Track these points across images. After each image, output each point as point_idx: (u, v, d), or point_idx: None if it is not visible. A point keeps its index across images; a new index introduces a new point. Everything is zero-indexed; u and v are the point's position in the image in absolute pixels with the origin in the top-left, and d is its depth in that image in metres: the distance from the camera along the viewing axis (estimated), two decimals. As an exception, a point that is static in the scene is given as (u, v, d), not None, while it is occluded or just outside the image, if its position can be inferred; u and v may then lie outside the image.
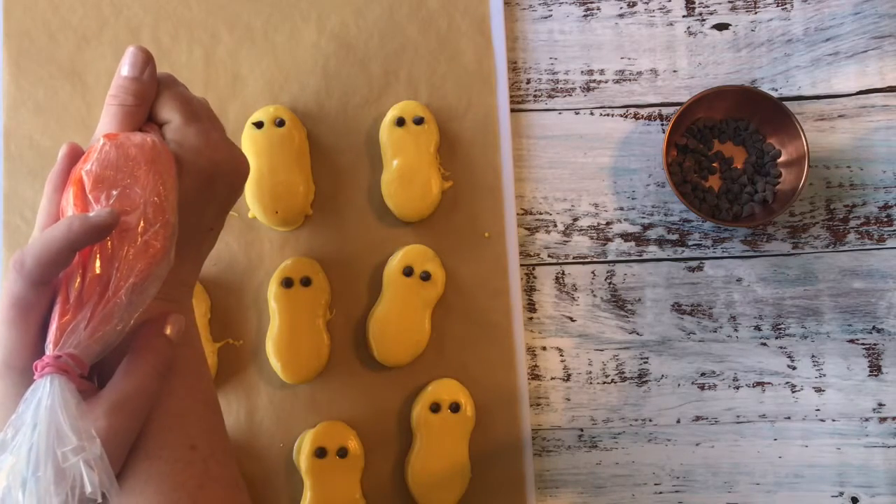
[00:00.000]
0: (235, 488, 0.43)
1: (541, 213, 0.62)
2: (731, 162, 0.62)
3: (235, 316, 0.59)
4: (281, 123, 0.59)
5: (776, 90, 0.63)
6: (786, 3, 0.64)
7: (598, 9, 0.64)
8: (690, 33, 0.63)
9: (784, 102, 0.60)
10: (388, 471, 0.59)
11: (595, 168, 0.62)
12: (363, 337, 0.59)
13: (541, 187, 0.62)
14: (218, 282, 0.60)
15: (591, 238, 0.62)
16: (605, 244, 0.62)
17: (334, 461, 0.56)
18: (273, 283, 0.58)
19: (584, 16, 0.64)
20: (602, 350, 0.61)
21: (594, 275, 0.61)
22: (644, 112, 0.63)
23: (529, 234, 0.62)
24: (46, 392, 0.34)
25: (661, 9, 0.64)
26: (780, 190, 0.60)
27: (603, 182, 0.62)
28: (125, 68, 0.44)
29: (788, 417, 0.60)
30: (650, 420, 0.60)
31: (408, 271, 0.58)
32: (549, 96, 0.63)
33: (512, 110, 0.62)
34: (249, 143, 0.59)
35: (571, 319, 0.61)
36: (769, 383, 0.61)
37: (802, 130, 0.58)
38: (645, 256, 0.62)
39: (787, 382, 0.61)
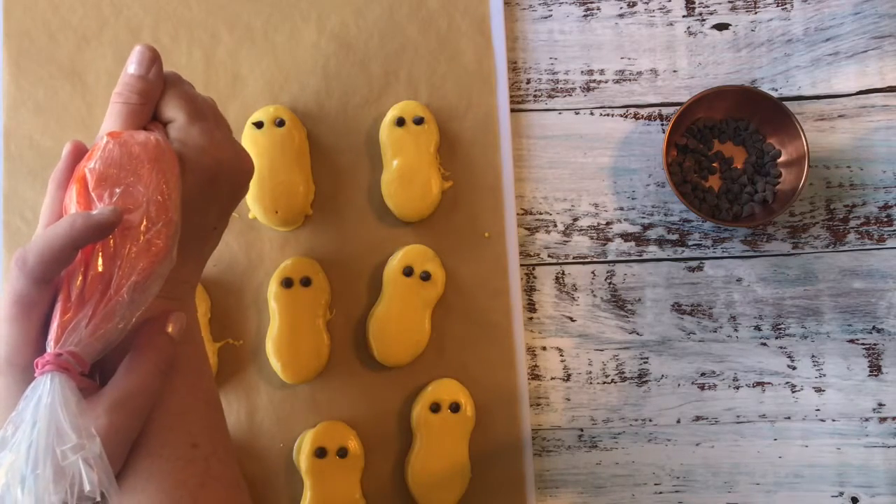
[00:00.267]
0: (236, 487, 0.43)
1: (541, 213, 0.62)
2: (731, 162, 0.62)
3: (235, 316, 0.59)
4: (281, 123, 0.59)
5: (776, 90, 0.63)
6: (786, 3, 0.64)
7: (598, 9, 0.64)
8: (690, 33, 0.63)
9: (784, 102, 0.60)
10: (388, 471, 0.59)
11: (595, 168, 0.62)
12: (363, 337, 0.59)
13: (541, 187, 0.62)
14: (218, 282, 0.60)
15: (591, 238, 0.62)
16: (605, 244, 0.62)
17: (334, 461, 0.56)
18: (273, 283, 0.58)
19: (584, 16, 0.64)
20: (602, 350, 0.61)
21: (594, 275, 0.61)
22: (644, 112, 0.63)
23: (529, 234, 0.62)
24: (47, 390, 0.34)
25: (661, 9, 0.64)
26: (780, 190, 0.60)
27: (603, 182, 0.62)
28: (132, 66, 0.44)
29: (788, 417, 0.60)
30: (650, 420, 0.60)
31: (408, 271, 0.58)
32: (549, 96, 0.63)
33: (512, 110, 0.62)
34: (249, 143, 0.59)
35: (571, 319, 0.61)
36: (769, 383, 0.61)
37: (802, 130, 0.58)
38: (645, 256, 0.62)
39: (787, 382, 0.61)
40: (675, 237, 0.62)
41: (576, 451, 0.60)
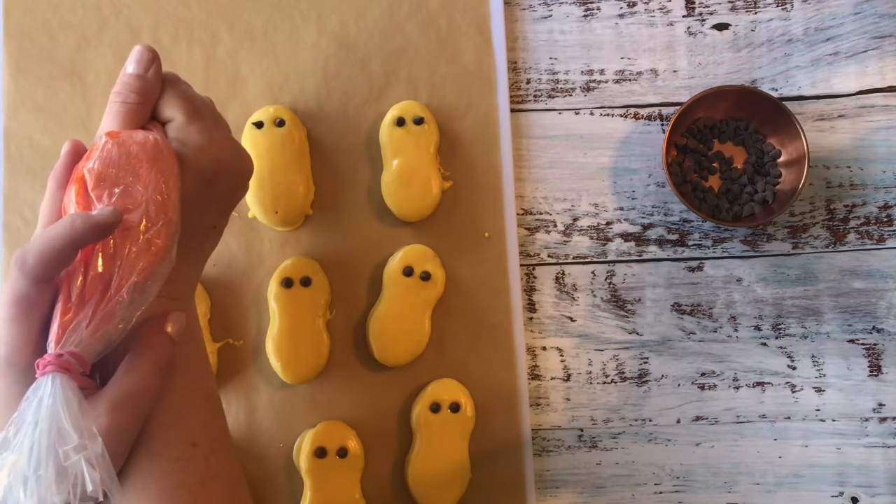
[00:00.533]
0: (236, 486, 0.43)
1: (541, 213, 0.62)
2: (731, 162, 0.62)
3: (235, 316, 0.59)
4: (281, 123, 0.59)
5: (776, 90, 0.63)
6: (786, 3, 0.64)
7: (598, 9, 0.64)
8: (690, 33, 0.63)
9: (784, 102, 0.60)
10: (388, 471, 0.59)
11: (595, 168, 0.62)
12: (363, 337, 0.59)
13: (541, 187, 0.62)
14: (218, 282, 0.60)
15: (591, 238, 0.62)
16: (605, 244, 0.62)
17: (334, 461, 0.56)
18: (273, 283, 0.58)
19: (584, 16, 0.64)
20: (602, 350, 0.61)
21: (594, 275, 0.61)
22: (644, 112, 0.63)
23: (529, 234, 0.62)
24: (48, 390, 0.34)
25: (661, 9, 0.64)
26: (780, 190, 0.60)
27: (603, 182, 0.62)
28: (131, 66, 0.44)
29: (788, 417, 0.60)
30: (650, 420, 0.60)
31: (408, 271, 0.58)
32: (549, 96, 0.63)
33: (512, 110, 0.62)
34: (249, 144, 0.59)
35: (571, 319, 0.61)
36: (769, 383, 0.61)
37: (802, 130, 0.58)
38: (645, 256, 0.62)
39: (787, 382, 0.61)
40: (675, 237, 0.62)
41: (576, 451, 0.60)
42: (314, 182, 0.60)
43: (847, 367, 0.61)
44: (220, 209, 0.46)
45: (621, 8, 0.64)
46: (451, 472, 0.57)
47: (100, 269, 0.37)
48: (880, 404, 0.60)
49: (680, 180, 0.60)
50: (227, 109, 0.61)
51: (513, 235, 0.61)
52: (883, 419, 0.60)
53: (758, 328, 0.61)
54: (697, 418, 0.60)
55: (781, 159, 0.61)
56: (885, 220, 0.62)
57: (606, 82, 0.63)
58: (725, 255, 0.62)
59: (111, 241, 0.38)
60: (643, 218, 0.62)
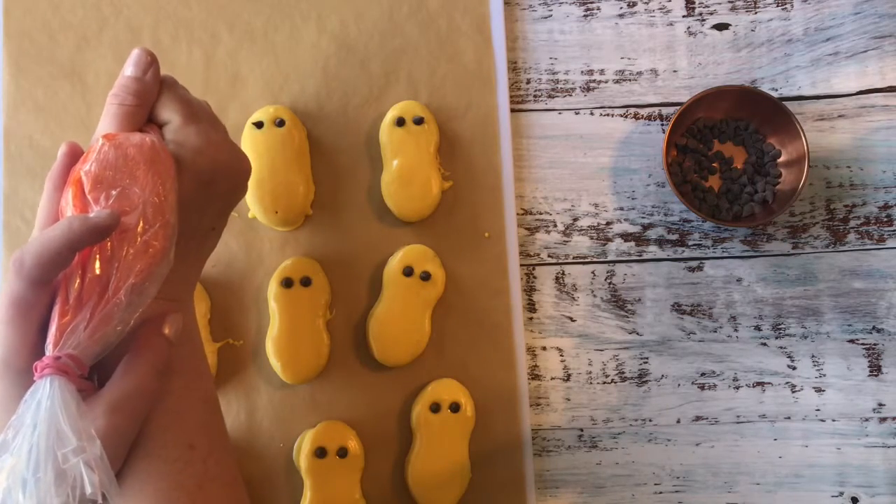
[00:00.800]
0: (234, 487, 0.43)
1: (541, 213, 0.62)
2: (731, 162, 0.62)
3: (235, 316, 0.59)
4: (281, 123, 0.59)
5: (776, 90, 0.63)
6: (786, 3, 0.64)
7: (598, 9, 0.64)
8: (690, 33, 0.63)
9: (784, 102, 0.60)
10: (388, 471, 0.59)
11: (595, 168, 0.62)
12: (363, 337, 0.59)
13: (541, 187, 0.62)
14: (218, 282, 0.60)
15: (591, 238, 0.62)
16: (605, 244, 0.62)
17: (334, 461, 0.56)
18: (273, 283, 0.58)
19: (584, 16, 0.64)
20: (602, 350, 0.61)
21: (594, 275, 0.61)
22: (644, 112, 0.63)
23: (529, 234, 0.62)
24: (46, 393, 0.34)
25: (661, 9, 0.64)
26: (780, 190, 0.60)
27: (603, 182, 0.62)
28: (129, 68, 0.44)
29: (788, 417, 0.60)
30: (650, 420, 0.60)
31: (408, 271, 0.58)
32: (549, 96, 0.63)
33: (512, 110, 0.62)
34: (249, 144, 0.59)
35: (571, 319, 0.61)
36: (769, 383, 0.61)
37: (802, 130, 0.58)
38: (645, 256, 0.62)
39: (787, 382, 0.61)
40: (675, 237, 0.62)
41: (576, 451, 0.60)
42: (314, 182, 0.60)
43: (847, 367, 0.61)
44: (218, 211, 0.46)
45: (621, 8, 0.64)
46: (451, 472, 0.57)
47: (97, 272, 0.37)
48: (880, 404, 0.60)
49: (680, 180, 0.60)
50: (226, 110, 0.61)
51: (513, 235, 0.61)
52: (883, 419, 0.60)
53: (758, 328, 0.61)
54: (697, 418, 0.60)
55: (781, 159, 0.61)
56: (885, 220, 0.62)
57: (606, 82, 0.63)
58: (725, 255, 0.62)
59: (108, 244, 0.38)
60: (643, 218, 0.62)
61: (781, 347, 0.61)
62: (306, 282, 0.58)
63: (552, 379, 0.61)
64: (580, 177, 0.62)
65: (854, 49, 0.63)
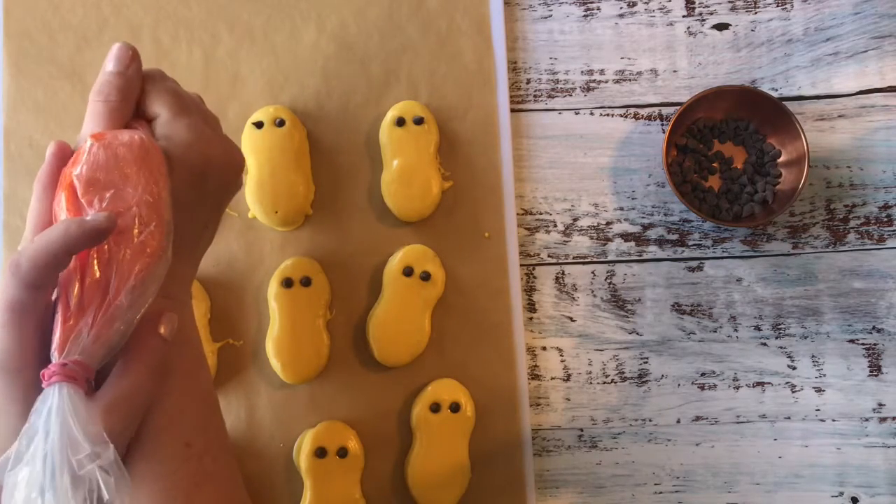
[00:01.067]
0: (232, 485, 0.43)
1: (541, 213, 0.62)
2: (731, 162, 0.62)
3: (235, 316, 0.59)
4: (281, 123, 0.59)
5: (776, 90, 0.63)
6: (786, 3, 0.64)
7: (598, 9, 0.64)
8: (690, 33, 0.63)
9: (784, 102, 0.60)
10: (388, 471, 0.59)
11: (595, 168, 0.62)
12: (363, 337, 0.59)
13: (541, 187, 0.62)
14: (218, 282, 0.60)
15: (591, 238, 0.62)
16: (605, 244, 0.62)
17: (334, 461, 0.56)
18: (273, 283, 0.58)
19: (584, 16, 0.64)
20: (602, 350, 0.61)
21: (594, 275, 0.61)
22: (644, 112, 0.63)
23: (529, 234, 0.62)
24: (56, 401, 0.34)
25: (661, 9, 0.64)
26: (780, 190, 0.60)
27: (603, 182, 0.62)
28: (110, 64, 0.43)
29: (788, 417, 0.60)
30: (650, 420, 0.60)
31: (408, 271, 0.58)
32: (549, 96, 0.63)
33: (512, 110, 0.62)
34: (249, 143, 0.59)
35: (571, 319, 0.61)
36: (769, 383, 0.61)
37: (802, 130, 0.58)
38: (645, 256, 0.62)
39: (787, 382, 0.61)
40: (675, 237, 0.62)
41: (576, 451, 0.60)
42: (314, 182, 0.60)
43: (847, 367, 0.61)
44: (212, 205, 0.46)
45: (621, 8, 0.64)
46: (451, 472, 0.57)
47: (97, 275, 0.37)
48: (880, 404, 0.60)
49: (680, 180, 0.60)
50: (227, 109, 0.61)
51: (513, 235, 0.61)
52: (883, 419, 0.60)
53: (758, 328, 0.61)
54: (697, 418, 0.60)
55: (781, 159, 0.61)
56: (885, 220, 0.62)
57: (606, 82, 0.63)
58: (725, 255, 0.62)
59: (106, 246, 0.37)
60: (643, 218, 0.62)
61: (781, 347, 0.61)
62: (306, 282, 0.58)
63: (552, 379, 0.61)
64: (580, 177, 0.62)
65: (854, 49, 0.63)
